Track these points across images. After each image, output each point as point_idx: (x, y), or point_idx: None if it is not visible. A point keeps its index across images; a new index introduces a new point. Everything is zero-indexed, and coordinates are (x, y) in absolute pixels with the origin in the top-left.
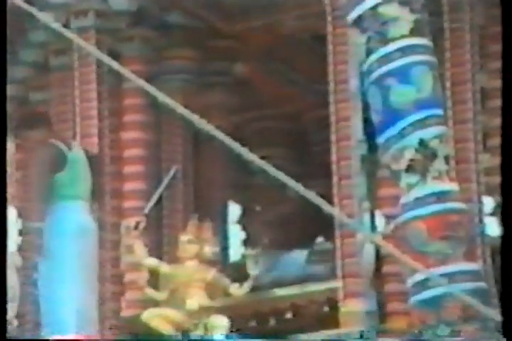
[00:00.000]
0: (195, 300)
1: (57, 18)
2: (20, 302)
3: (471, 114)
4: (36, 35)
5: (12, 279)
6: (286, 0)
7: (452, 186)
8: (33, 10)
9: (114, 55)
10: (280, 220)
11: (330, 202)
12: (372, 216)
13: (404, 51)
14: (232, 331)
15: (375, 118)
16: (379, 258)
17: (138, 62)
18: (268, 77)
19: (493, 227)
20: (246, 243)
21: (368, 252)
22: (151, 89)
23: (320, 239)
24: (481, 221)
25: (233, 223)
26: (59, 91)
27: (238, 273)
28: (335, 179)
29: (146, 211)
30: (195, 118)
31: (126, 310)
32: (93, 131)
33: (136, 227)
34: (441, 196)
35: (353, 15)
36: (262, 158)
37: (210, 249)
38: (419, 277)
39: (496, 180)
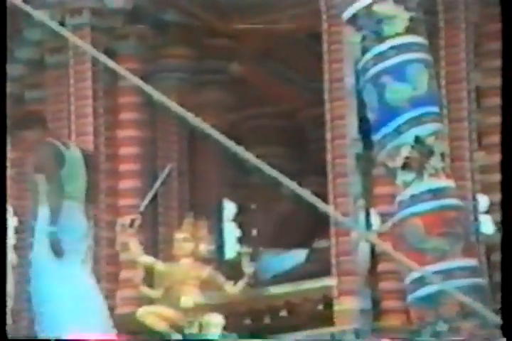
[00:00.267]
0: (190, 297)
1: (52, 16)
2: (15, 299)
3: (466, 112)
4: (32, 33)
5: (7, 277)
6: None
7: (449, 183)
8: (29, 8)
9: (110, 53)
10: (275, 218)
11: (325, 200)
12: (368, 214)
13: (399, 49)
14: (226, 329)
15: (371, 116)
16: (374, 256)
17: (133, 60)
18: (264, 75)
19: (488, 225)
20: (241, 241)
21: (363, 250)
22: (147, 88)
23: (315, 238)
24: (475, 219)
25: (228, 221)
26: (54, 90)
27: (233, 271)
28: (330, 177)
29: (142, 209)
30: (190, 116)
31: (121, 307)
32: (88, 129)
33: (131, 225)
34: (437, 193)
35: (347, 13)
36: (257, 156)
37: (205, 247)
38: (416, 274)
39: (491, 178)
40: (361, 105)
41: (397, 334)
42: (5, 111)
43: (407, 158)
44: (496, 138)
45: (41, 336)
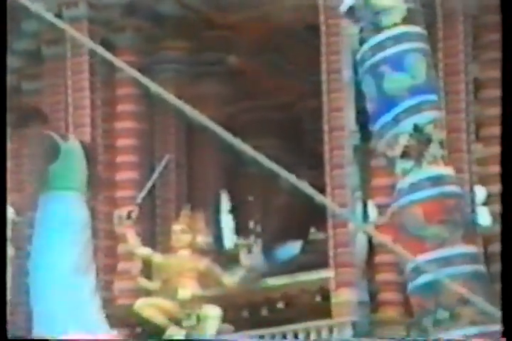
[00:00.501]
0: (188, 289)
1: (49, 8)
2: (12, 292)
3: (464, 104)
4: (29, 25)
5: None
6: None
7: (448, 170)
8: (25, 0)
9: (107, 46)
10: (273, 210)
11: (322, 192)
12: (365, 206)
13: (397, 39)
14: (224, 321)
15: (370, 106)
16: (371, 248)
17: (131, 52)
18: (261, 67)
19: (485, 217)
20: (238, 233)
21: (361, 242)
22: (144, 80)
23: (313, 229)
24: (473, 210)
25: (226, 213)
26: (51, 81)
27: (231, 262)
28: (327, 169)
29: (139, 200)
30: (187, 108)
31: (119, 299)
32: (86, 120)
33: (128, 217)
34: (436, 180)
35: (345, 5)
36: (255, 148)
37: (202, 239)
38: (415, 262)
39: (489, 169)
40: (359, 97)
41: (394, 326)
42: (5, 106)
43: (405, 146)
44: (493, 130)
45: (36, 332)
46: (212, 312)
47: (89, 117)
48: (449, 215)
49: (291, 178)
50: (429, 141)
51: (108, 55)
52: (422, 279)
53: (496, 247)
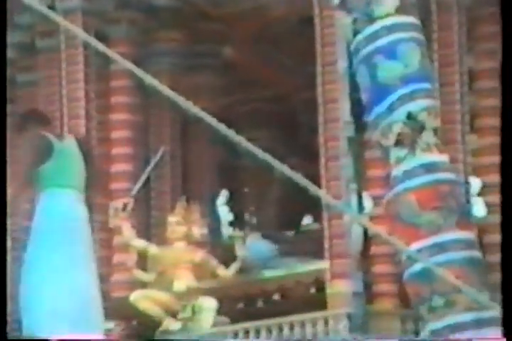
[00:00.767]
0: (183, 281)
1: (42, 0)
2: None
3: (459, 95)
4: (22, 18)
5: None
6: None
7: (441, 157)
8: None
9: (101, 38)
10: (268, 202)
11: (317, 183)
12: (360, 197)
13: (390, 29)
14: (219, 313)
15: (364, 97)
16: (366, 239)
17: (125, 44)
18: (256, 59)
19: (480, 208)
20: (234, 225)
21: (356, 233)
22: (139, 72)
23: (308, 220)
24: (467, 201)
25: (221, 205)
26: (46, 73)
27: (226, 254)
28: (322, 161)
29: (134, 192)
30: (182, 100)
31: (115, 291)
32: (80, 112)
33: (124, 209)
34: (430, 167)
35: None
36: (250, 139)
37: (198, 231)
38: (410, 250)
39: (483, 160)
40: (354, 88)
41: (389, 317)
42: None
43: (399, 134)
44: (488, 121)
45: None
46: (208, 304)
47: (83, 109)
48: (443, 202)
49: (286, 170)
50: (422, 128)
51: (102, 47)
52: (418, 266)
53: (491, 238)
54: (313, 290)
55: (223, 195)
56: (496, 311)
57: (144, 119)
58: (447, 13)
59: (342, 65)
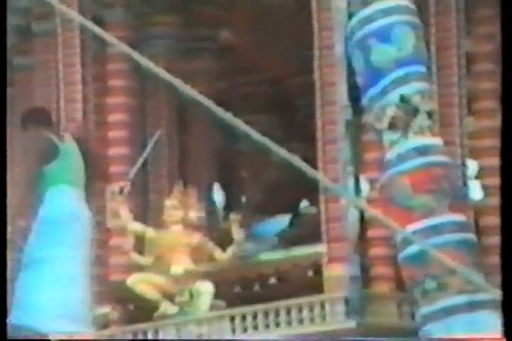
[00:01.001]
0: (181, 265)
1: None
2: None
3: (456, 78)
4: (18, 1)
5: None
6: None
7: (435, 140)
8: None
9: (98, 21)
10: (265, 185)
11: (314, 166)
12: (357, 180)
13: (384, 12)
14: (216, 297)
15: (359, 80)
16: (363, 222)
17: (121, 28)
18: (253, 43)
19: (476, 190)
20: (230, 208)
21: (353, 216)
22: (136, 55)
23: (305, 204)
24: (464, 184)
25: (218, 188)
26: (42, 57)
27: (223, 237)
28: (320, 144)
29: (131, 176)
30: (179, 83)
31: (112, 275)
32: (77, 96)
33: (120, 192)
34: (423, 150)
35: None
36: (247, 123)
37: (194, 214)
38: (404, 233)
39: (480, 143)
40: (351, 72)
41: (386, 301)
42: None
43: (392, 117)
44: (485, 104)
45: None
46: (205, 288)
47: (80, 92)
48: (436, 184)
49: (284, 153)
50: (416, 111)
51: (99, 31)
52: (411, 250)
53: (488, 220)
54: (310, 274)
55: (220, 179)
56: (491, 294)
57: (141, 103)
58: None
59: (339, 48)
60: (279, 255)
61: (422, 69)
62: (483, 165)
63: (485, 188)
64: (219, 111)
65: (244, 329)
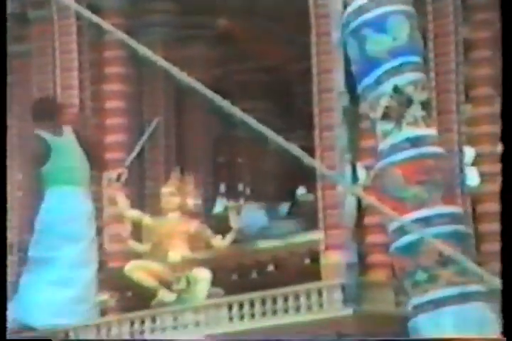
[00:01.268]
0: (178, 252)
1: None
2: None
3: (454, 65)
4: None
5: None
6: None
7: (428, 131)
8: None
9: (94, 9)
10: (262, 172)
11: (311, 154)
12: (354, 168)
13: (379, 1)
14: (213, 284)
15: (354, 68)
16: (360, 209)
17: (118, 15)
18: (250, 30)
19: (474, 177)
20: (228, 195)
21: (350, 204)
22: (133, 42)
23: (302, 191)
24: (461, 170)
25: (215, 175)
26: (39, 43)
27: (220, 225)
28: (317, 131)
29: (128, 163)
30: (176, 71)
31: (109, 262)
32: (74, 83)
33: (118, 179)
34: (416, 141)
35: None
36: (244, 110)
37: (192, 201)
38: (396, 224)
39: (477, 130)
40: (348, 59)
41: (383, 288)
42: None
43: (386, 107)
44: (483, 91)
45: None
46: (203, 276)
47: (77, 79)
48: (428, 176)
49: (281, 141)
50: (409, 102)
51: (95, 18)
52: (403, 241)
53: (484, 207)
54: (307, 261)
55: (218, 166)
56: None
57: (138, 90)
58: None
59: (336, 35)
60: (276, 242)
61: (417, 59)
62: (480, 152)
63: (482, 175)
64: (216, 98)
65: (241, 317)
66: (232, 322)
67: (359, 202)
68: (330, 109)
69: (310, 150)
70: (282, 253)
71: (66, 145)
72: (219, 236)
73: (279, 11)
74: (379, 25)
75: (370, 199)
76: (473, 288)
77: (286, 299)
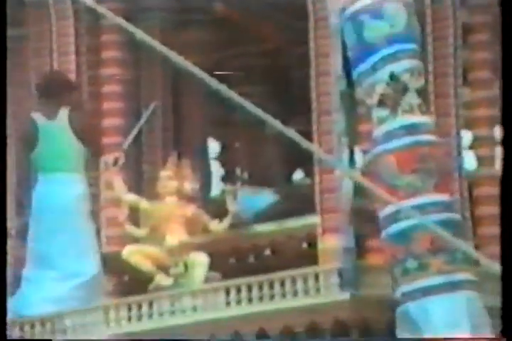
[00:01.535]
0: (175, 236)
1: None
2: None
3: (452, 49)
4: None
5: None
6: None
7: (424, 119)
8: None
9: None
10: (259, 156)
11: (309, 138)
12: (351, 152)
13: None
14: (211, 268)
15: (351, 54)
16: (357, 193)
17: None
18: (248, 14)
19: (471, 161)
20: (225, 179)
21: (347, 187)
22: (130, 27)
23: (299, 175)
24: (459, 154)
25: (212, 159)
26: (35, 28)
27: (218, 209)
28: (314, 115)
29: (125, 147)
30: (173, 55)
31: (107, 246)
32: (71, 67)
33: (115, 163)
34: (411, 129)
35: None
36: (241, 95)
37: (189, 185)
38: (388, 210)
39: (475, 113)
40: (345, 44)
41: (380, 273)
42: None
43: (382, 94)
44: (481, 74)
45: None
46: (200, 260)
47: (74, 63)
48: (422, 164)
49: (278, 125)
50: (405, 89)
51: (91, 2)
52: (394, 228)
53: (481, 190)
54: (304, 245)
55: (215, 150)
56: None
57: (136, 74)
58: None
59: (333, 20)
60: (273, 226)
61: (414, 46)
62: (477, 136)
63: (479, 158)
64: (214, 82)
65: (239, 302)
66: (229, 307)
67: (356, 185)
68: (327, 94)
69: (308, 135)
70: (279, 238)
71: (57, 130)
72: (216, 220)
73: None
74: (377, 11)
75: (367, 184)
76: (462, 276)
77: (283, 283)
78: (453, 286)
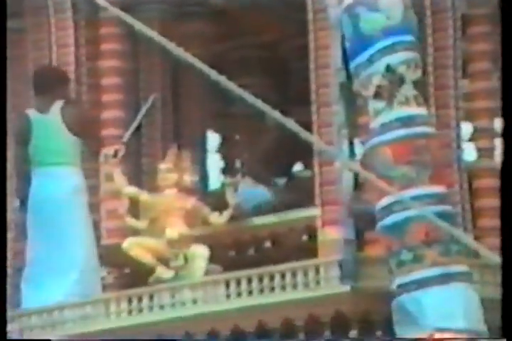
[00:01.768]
0: (175, 229)
1: None
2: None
3: (452, 40)
4: None
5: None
6: None
7: (420, 111)
8: None
9: None
10: (259, 149)
11: (309, 130)
12: (351, 144)
13: None
14: (211, 261)
15: (348, 46)
16: (357, 185)
17: None
18: (247, 6)
19: (471, 153)
20: (225, 172)
21: (347, 179)
22: (129, 19)
23: (299, 167)
24: (458, 146)
25: (212, 152)
26: (34, 20)
27: (217, 201)
28: (314, 107)
29: (125, 139)
30: (173, 47)
31: (106, 238)
32: (70, 59)
33: (115, 155)
34: (407, 121)
35: None
36: (241, 86)
37: (189, 178)
38: (384, 202)
39: (475, 105)
40: (344, 36)
41: (380, 265)
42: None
43: (378, 86)
44: (481, 66)
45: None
46: (200, 252)
47: (73, 56)
48: (417, 156)
49: (278, 117)
50: (401, 81)
51: None
52: (389, 220)
53: (480, 182)
54: (304, 237)
55: (214, 142)
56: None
57: (135, 66)
58: None
59: (334, 11)
60: (273, 218)
61: (410, 38)
62: (477, 127)
63: (479, 150)
64: (213, 74)
65: (239, 294)
66: (229, 299)
67: (356, 177)
68: (327, 85)
69: (307, 127)
70: (279, 230)
71: (49, 124)
72: (216, 213)
73: None
74: (372, 3)
75: (367, 175)
76: (457, 268)
77: (283, 276)
78: (448, 278)
